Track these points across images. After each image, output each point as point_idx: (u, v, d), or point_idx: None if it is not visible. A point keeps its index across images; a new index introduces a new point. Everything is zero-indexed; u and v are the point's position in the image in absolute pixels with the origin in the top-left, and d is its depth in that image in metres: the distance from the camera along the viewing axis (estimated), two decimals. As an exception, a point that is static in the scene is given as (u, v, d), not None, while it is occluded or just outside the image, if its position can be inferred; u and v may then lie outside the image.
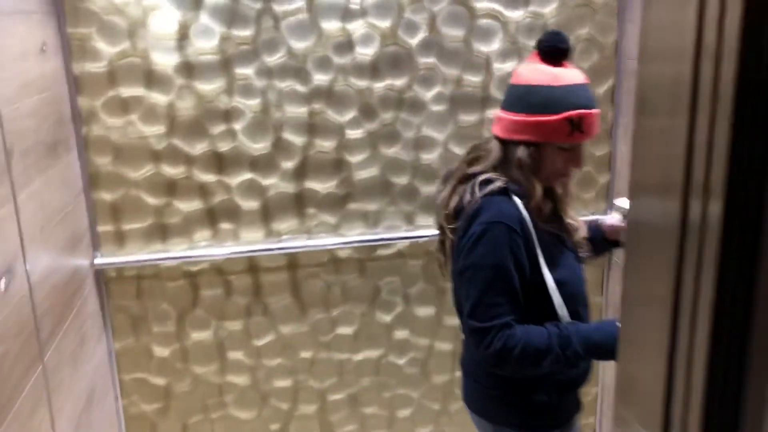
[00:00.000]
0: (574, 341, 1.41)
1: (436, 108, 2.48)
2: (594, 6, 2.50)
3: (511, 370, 1.48)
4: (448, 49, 2.43)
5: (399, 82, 2.43)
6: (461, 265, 1.49)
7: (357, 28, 2.36)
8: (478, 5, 2.42)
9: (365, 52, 2.38)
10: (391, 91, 2.43)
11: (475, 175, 1.54)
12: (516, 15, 2.45)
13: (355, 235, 2.53)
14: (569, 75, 1.46)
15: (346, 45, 2.36)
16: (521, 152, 1.46)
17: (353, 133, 2.44)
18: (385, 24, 2.37)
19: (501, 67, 2.49)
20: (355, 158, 2.46)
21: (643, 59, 0.72)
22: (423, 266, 2.62)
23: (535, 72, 1.48)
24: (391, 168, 2.50)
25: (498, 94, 2.51)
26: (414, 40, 2.40)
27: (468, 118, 2.52)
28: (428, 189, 2.55)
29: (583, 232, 1.68)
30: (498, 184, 1.49)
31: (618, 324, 1.11)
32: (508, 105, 1.51)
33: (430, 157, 2.52)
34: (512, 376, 1.55)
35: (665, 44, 0.67)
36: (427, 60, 2.43)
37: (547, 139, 1.44)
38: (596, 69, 2.56)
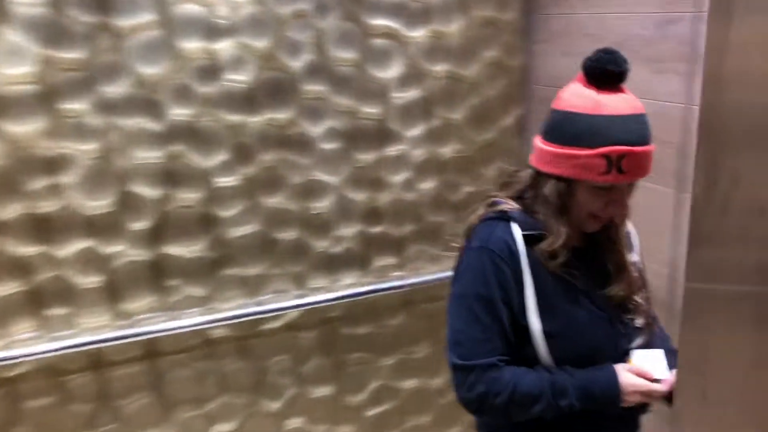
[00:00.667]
0: (570, 392, 1.26)
1: (328, 146, 2.03)
2: (499, 25, 2.19)
3: (493, 416, 1.35)
4: (339, 74, 1.99)
5: (281, 115, 1.95)
6: (450, 293, 1.37)
7: (225, 48, 1.85)
8: (372, 22, 2.00)
9: (237, 79, 1.87)
10: (272, 127, 1.94)
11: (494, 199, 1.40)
12: (416, 35, 2.07)
13: (232, 308, 2.00)
14: (616, 103, 1.22)
15: (212, 70, 1.84)
16: (549, 187, 1.28)
17: (224, 181, 1.92)
18: (261, 44, 1.88)
19: (401, 96, 2.09)
20: (227, 212, 1.94)
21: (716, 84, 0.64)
22: (318, 338, 2.15)
23: (578, 97, 1.25)
24: (275, 221, 2.01)
25: (399, 126, 2.11)
26: (297, 63, 1.93)
27: (365, 156, 2.09)
28: (321, 244, 2.08)
29: (625, 289, 1.37)
30: (501, 207, 1.34)
31: (616, 370, 1.09)
32: (544, 132, 1.31)
33: (322, 205, 2.06)
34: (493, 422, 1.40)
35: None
36: (314, 87, 1.97)
37: (579, 176, 1.23)
38: (504, 96, 2.25)
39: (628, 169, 1.20)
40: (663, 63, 1.76)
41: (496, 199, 1.37)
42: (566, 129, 1.23)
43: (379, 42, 2.03)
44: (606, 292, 1.36)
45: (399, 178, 2.16)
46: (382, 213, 2.16)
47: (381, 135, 2.10)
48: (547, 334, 1.29)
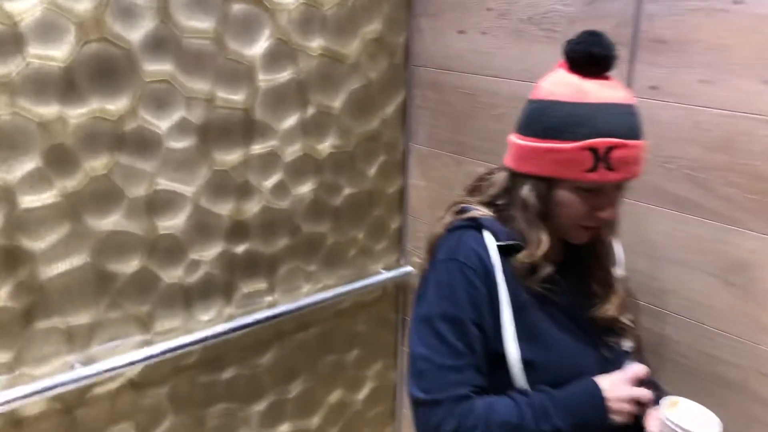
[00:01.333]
0: (552, 413, 1.08)
1: (179, 144, 1.53)
2: (382, -6, 1.82)
3: None
4: (191, 49, 1.50)
5: (113, 105, 1.41)
6: (411, 316, 1.19)
7: (29, 10, 1.27)
8: (232, -18, 1.53)
9: (49, 55, 1.31)
10: (101, 122, 1.40)
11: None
12: (287, 0, 1.63)
13: (51, 373, 1.45)
14: (603, 91, 1.06)
15: (9, 41, 1.26)
16: (527, 189, 1.12)
17: (34, 200, 1.35)
18: (82, 5, 1.33)
19: (270, 79, 1.65)
20: (40, 243, 1.38)
21: None
22: (171, 393, 1.66)
23: (558, 84, 1.09)
24: (109, 250, 1.48)
25: (268, 117, 1.66)
26: (135, 34, 1.41)
27: (227, 156, 1.62)
28: (173, 273, 1.59)
29: (612, 310, 1.21)
30: (471, 213, 1.17)
31: (598, 383, 1.08)
32: (519, 126, 1.15)
33: (172, 223, 1.56)
34: None
35: None
36: (158, 67, 1.46)
37: (561, 173, 1.08)
38: (385, 80, 1.89)
39: (617, 165, 1.05)
40: (592, 46, 1.51)
41: (465, 205, 1.20)
42: (545, 120, 1.07)
43: (241, 8, 1.56)
44: (591, 313, 1.20)
45: (269, 182, 1.72)
46: (249, 227, 1.71)
47: (246, 128, 1.64)
48: (526, 362, 1.12)
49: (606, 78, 1.10)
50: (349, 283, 1.95)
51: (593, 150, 1.04)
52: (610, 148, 1.04)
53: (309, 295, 1.87)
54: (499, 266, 1.13)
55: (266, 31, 1.61)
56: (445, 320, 1.11)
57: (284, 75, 1.67)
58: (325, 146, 1.80)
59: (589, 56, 1.07)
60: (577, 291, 1.21)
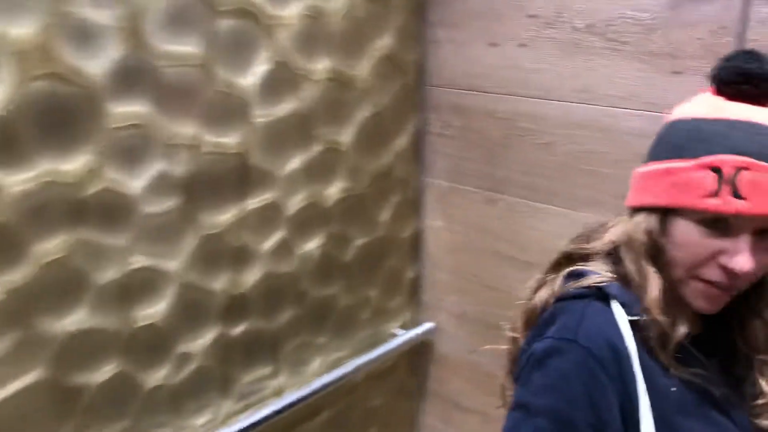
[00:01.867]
0: None
1: (156, 207, 1.16)
2: (393, 3, 1.48)
3: None
4: (170, 82, 1.13)
5: (70, 164, 1.03)
6: (512, 399, 0.89)
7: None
8: (218, -10, 1.17)
9: (-28, 100, 0.92)
10: (53, 186, 1.02)
11: (578, 260, 0.95)
12: (286, 13, 1.28)
13: None
14: (748, 111, 0.82)
15: None
16: (636, 222, 0.88)
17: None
18: (18, 30, 0.94)
19: (268, 113, 1.29)
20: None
21: None
22: None
23: (694, 104, 0.88)
24: (71, 357, 1.09)
25: (267, 162, 1.31)
26: (95, 67, 1.03)
27: (220, 217, 1.25)
28: (157, 374, 1.22)
29: None
30: (593, 279, 0.89)
31: None
32: (645, 156, 0.92)
33: (153, 311, 1.19)
34: None
35: None
36: (128, 108, 1.08)
37: (677, 200, 0.84)
38: (397, 105, 1.56)
39: (748, 192, 0.79)
40: (678, 59, 1.23)
41: (579, 266, 0.92)
42: (667, 139, 0.88)
43: (231, 25, 1.19)
44: (756, 407, 0.90)
45: (270, 242, 1.36)
46: (248, 301, 1.34)
47: (241, 178, 1.28)
48: None
49: (761, 104, 0.84)
50: (363, 353, 1.61)
51: (716, 170, 0.80)
52: (739, 169, 0.79)
53: (319, 374, 1.52)
54: (635, 351, 0.84)
55: (263, 53, 1.25)
56: (549, 418, 0.83)
57: (285, 107, 1.32)
58: (333, 191, 1.46)
59: (740, 73, 0.83)
60: (726, 376, 0.91)
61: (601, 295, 0.88)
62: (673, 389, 0.85)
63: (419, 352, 1.79)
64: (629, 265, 0.88)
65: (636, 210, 0.90)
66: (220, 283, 1.28)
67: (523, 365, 0.89)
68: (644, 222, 0.87)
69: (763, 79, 0.83)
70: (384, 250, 1.63)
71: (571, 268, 0.92)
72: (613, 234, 0.93)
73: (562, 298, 0.90)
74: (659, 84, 1.25)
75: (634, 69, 1.28)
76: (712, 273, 0.84)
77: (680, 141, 0.85)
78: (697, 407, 0.86)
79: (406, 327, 1.74)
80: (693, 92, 1.18)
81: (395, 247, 1.66)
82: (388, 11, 1.48)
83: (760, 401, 0.90)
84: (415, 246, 1.72)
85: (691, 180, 0.82)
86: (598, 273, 0.90)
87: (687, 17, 1.20)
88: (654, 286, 0.86)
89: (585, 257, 0.94)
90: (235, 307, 1.32)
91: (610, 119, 1.33)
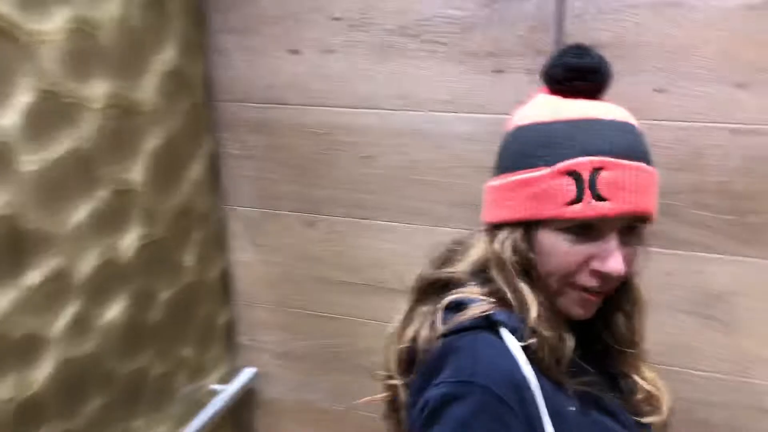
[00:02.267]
0: None
1: None
2: (169, 9, 1.24)
3: None
4: None
5: None
6: None
7: None
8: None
9: None
10: None
11: (444, 286, 0.85)
12: (49, 26, 0.98)
13: None
14: (589, 108, 0.81)
15: None
16: (500, 240, 0.82)
17: None
18: None
19: (38, 159, 0.99)
20: None
21: None
22: None
23: (532, 107, 0.84)
24: None
25: (44, 221, 1.00)
26: None
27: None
28: None
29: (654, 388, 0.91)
30: (476, 308, 0.80)
31: None
32: (493, 168, 0.87)
33: None
34: None
35: None
36: None
37: (538, 211, 0.80)
38: (188, 128, 1.33)
39: (610, 193, 0.77)
40: (499, 58, 1.20)
41: (456, 295, 0.83)
42: (514, 148, 0.84)
43: (-28, 45, 0.88)
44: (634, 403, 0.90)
45: (62, 321, 1.05)
46: (42, 402, 1.03)
47: (13, 248, 0.96)
48: None
49: (596, 98, 0.83)
50: (186, 422, 1.36)
51: (574, 174, 0.77)
52: (597, 170, 0.77)
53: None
54: (534, 378, 0.78)
55: (22, 80, 0.94)
56: None
57: (59, 147, 1.02)
58: (130, 241, 1.19)
59: (570, 69, 0.82)
60: (607, 378, 0.90)
61: (487, 323, 0.80)
62: (572, 409, 0.81)
63: (243, 403, 1.57)
64: (503, 286, 0.83)
65: (497, 226, 0.84)
66: (3, 391, 0.95)
67: (416, 418, 0.79)
68: (509, 239, 0.82)
69: (593, 71, 0.81)
70: (193, 299, 1.39)
71: (450, 299, 0.83)
72: (476, 254, 0.87)
73: (446, 334, 0.81)
74: (482, 84, 1.21)
75: (454, 70, 1.22)
76: (586, 279, 0.81)
77: (530, 149, 0.81)
78: (593, 423, 0.83)
79: (225, 380, 1.51)
80: (518, 90, 1.18)
81: (204, 292, 1.43)
82: (165, 19, 1.23)
83: (639, 396, 0.90)
84: (225, 286, 1.50)
85: (551, 189, 0.78)
86: (480, 299, 0.82)
87: (504, 14, 1.17)
88: (533, 304, 0.81)
89: (451, 282, 0.86)
90: (27, 414, 1.00)
91: (433, 125, 1.26)
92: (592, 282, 0.80)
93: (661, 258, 1.16)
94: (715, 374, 1.20)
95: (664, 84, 1.10)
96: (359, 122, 1.31)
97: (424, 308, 0.86)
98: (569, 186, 0.77)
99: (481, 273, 0.85)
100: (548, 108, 0.82)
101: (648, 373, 0.92)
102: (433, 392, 0.77)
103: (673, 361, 1.21)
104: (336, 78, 1.30)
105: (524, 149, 0.82)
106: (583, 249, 0.79)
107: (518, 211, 0.81)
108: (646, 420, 0.89)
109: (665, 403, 0.90)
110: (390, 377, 0.88)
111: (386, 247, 1.36)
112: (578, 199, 0.77)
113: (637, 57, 1.11)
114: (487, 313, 0.80)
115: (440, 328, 0.81)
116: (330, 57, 1.29)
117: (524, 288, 0.81)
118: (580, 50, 0.83)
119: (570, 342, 0.82)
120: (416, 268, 0.89)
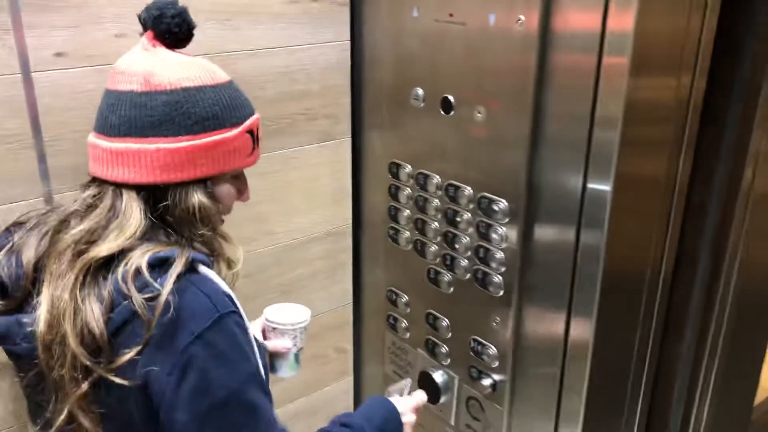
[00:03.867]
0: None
1: None
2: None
3: None
4: None
5: None
6: (185, 417, 0.84)
7: None
8: None
9: None
10: None
11: (109, 261, 0.87)
12: None
13: None
14: (210, 65, 0.98)
15: None
16: (200, 196, 0.94)
17: None
18: None
19: None
20: None
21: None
22: None
23: (175, 66, 0.93)
24: None
25: None
26: None
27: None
28: None
29: None
30: (181, 258, 0.87)
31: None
32: (141, 128, 0.91)
33: None
34: None
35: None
36: None
37: (229, 165, 0.98)
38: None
39: (259, 141, 1.03)
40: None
41: (158, 252, 0.87)
42: (198, 111, 0.92)
43: None
44: None
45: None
46: None
47: None
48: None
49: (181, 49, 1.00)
50: None
51: (251, 132, 1.00)
52: (258, 126, 1.02)
53: None
54: (232, 293, 0.94)
55: None
56: (253, 382, 0.90)
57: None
58: None
59: (178, 20, 0.94)
60: None
61: (190, 267, 0.88)
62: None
63: None
64: (194, 235, 0.94)
65: (171, 186, 0.92)
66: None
67: (185, 376, 0.83)
68: (193, 194, 0.93)
69: (186, 21, 0.95)
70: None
71: (148, 260, 0.86)
72: (137, 218, 0.90)
73: (174, 292, 0.84)
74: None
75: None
76: (229, 210, 1.04)
77: (213, 113, 0.93)
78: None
79: None
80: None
81: None
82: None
83: None
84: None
85: (239, 146, 0.97)
86: (175, 250, 0.88)
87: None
88: (215, 239, 0.99)
89: (121, 253, 0.88)
90: None
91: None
92: (230, 212, 1.03)
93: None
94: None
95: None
96: None
97: (97, 288, 0.85)
98: (248, 141, 0.98)
99: (153, 231, 0.91)
100: (200, 69, 0.94)
101: None
102: (197, 345, 0.83)
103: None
104: None
105: (209, 112, 0.93)
106: (239, 187, 1.02)
107: (210, 168, 0.94)
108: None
109: None
110: (86, 369, 0.83)
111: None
112: (253, 151, 1.00)
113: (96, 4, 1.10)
114: (189, 258, 0.88)
115: (160, 287, 0.83)
116: None
117: (206, 232, 0.95)
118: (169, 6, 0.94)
119: (239, 265, 1.05)
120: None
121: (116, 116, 0.90)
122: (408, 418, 1.17)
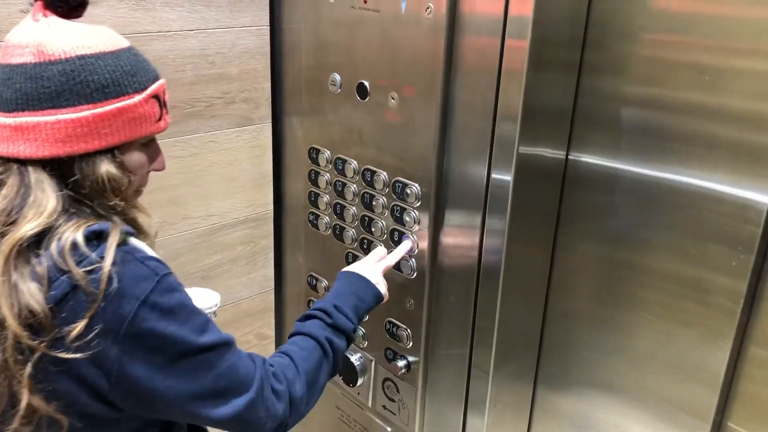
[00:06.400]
0: (339, 311, 1.10)
1: None
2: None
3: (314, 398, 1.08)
4: None
5: None
6: (146, 373, 0.88)
7: None
8: None
9: None
10: None
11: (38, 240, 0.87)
12: None
13: None
14: (109, 31, 0.96)
15: None
16: (108, 167, 0.92)
17: None
18: None
19: None
20: None
21: None
22: None
23: (69, 35, 0.90)
24: None
25: None
26: None
27: None
28: None
29: None
30: (114, 230, 0.90)
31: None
32: (38, 100, 0.88)
33: None
34: None
35: None
36: None
37: (136, 133, 0.95)
38: None
39: (167, 107, 1.00)
40: None
41: (83, 227, 0.88)
42: (96, 79, 0.90)
43: None
44: None
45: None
46: None
47: None
48: None
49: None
50: None
51: (157, 97, 0.96)
52: (164, 90, 0.99)
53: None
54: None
55: None
56: (206, 326, 0.93)
57: None
58: None
59: None
60: None
61: (124, 239, 0.90)
62: None
63: None
64: (109, 209, 0.92)
65: (74, 158, 0.89)
66: None
67: (137, 342, 0.86)
68: (113, 164, 0.91)
69: None
70: None
71: (84, 234, 0.87)
72: (50, 195, 0.89)
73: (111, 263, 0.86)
74: None
75: None
76: (144, 181, 1.01)
77: (116, 78, 0.91)
78: None
79: None
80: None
81: None
82: None
83: None
84: None
85: (145, 112, 0.93)
86: (103, 223, 0.89)
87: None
88: (134, 209, 0.98)
89: (46, 231, 0.88)
90: None
91: None
92: (146, 182, 1.01)
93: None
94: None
95: None
96: None
97: (29, 267, 0.85)
98: (154, 106, 0.95)
99: (75, 206, 0.90)
100: (97, 36, 0.91)
101: None
102: (144, 309, 0.85)
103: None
104: None
105: (109, 79, 0.90)
106: (151, 155, 0.99)
107: (116, 137, 0.91)
108: None
109: None
110: (30, 349, 0.83)
111: None
112: (161, 116, 0.96)
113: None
114: (124, 229, 0.91)
115: (100, 259, 0.84)
116: None
117: (119, 203, 0.93)
118: None
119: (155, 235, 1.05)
120: None
121: (11, 91, 0.87)
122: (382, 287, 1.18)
